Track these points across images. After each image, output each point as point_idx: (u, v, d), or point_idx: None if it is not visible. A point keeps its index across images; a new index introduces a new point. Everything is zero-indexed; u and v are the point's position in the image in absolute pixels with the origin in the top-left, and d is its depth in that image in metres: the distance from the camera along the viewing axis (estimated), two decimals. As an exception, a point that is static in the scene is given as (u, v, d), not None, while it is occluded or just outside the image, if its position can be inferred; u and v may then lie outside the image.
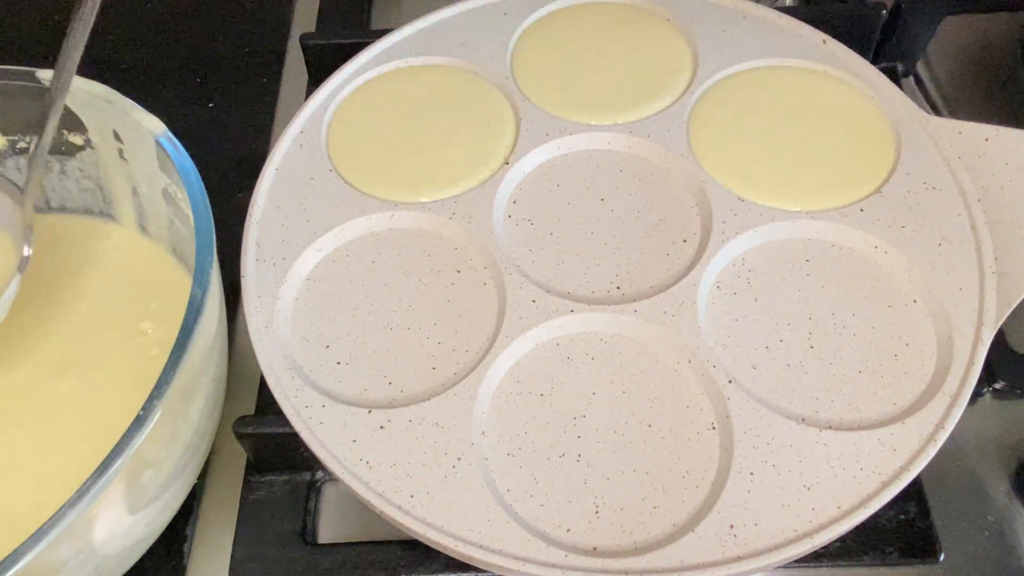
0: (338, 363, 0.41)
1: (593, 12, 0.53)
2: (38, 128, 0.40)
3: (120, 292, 0.46)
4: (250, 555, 0.41)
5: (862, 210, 0.45)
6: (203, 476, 0.45)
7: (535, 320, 0.42)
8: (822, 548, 0.37)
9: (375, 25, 0.65)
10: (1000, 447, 0.45)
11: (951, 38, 0.61)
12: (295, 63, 0.62)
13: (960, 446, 0.44)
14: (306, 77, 0.59)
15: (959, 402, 0.39)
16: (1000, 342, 0.46)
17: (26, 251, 0.42)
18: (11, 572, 0.30)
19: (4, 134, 0.47)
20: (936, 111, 0.59)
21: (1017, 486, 0.44)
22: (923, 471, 0.38)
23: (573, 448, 0.39)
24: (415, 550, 0.41)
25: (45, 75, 0.44)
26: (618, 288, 0.43)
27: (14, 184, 0.42)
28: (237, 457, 0.44)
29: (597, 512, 0.37)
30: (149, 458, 0.35)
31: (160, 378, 0.34)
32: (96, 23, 0.40)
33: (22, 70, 0.44)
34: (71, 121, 0.45)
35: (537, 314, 0.42)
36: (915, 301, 0.42)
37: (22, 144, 0.47)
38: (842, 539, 0.39)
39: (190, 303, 0.36)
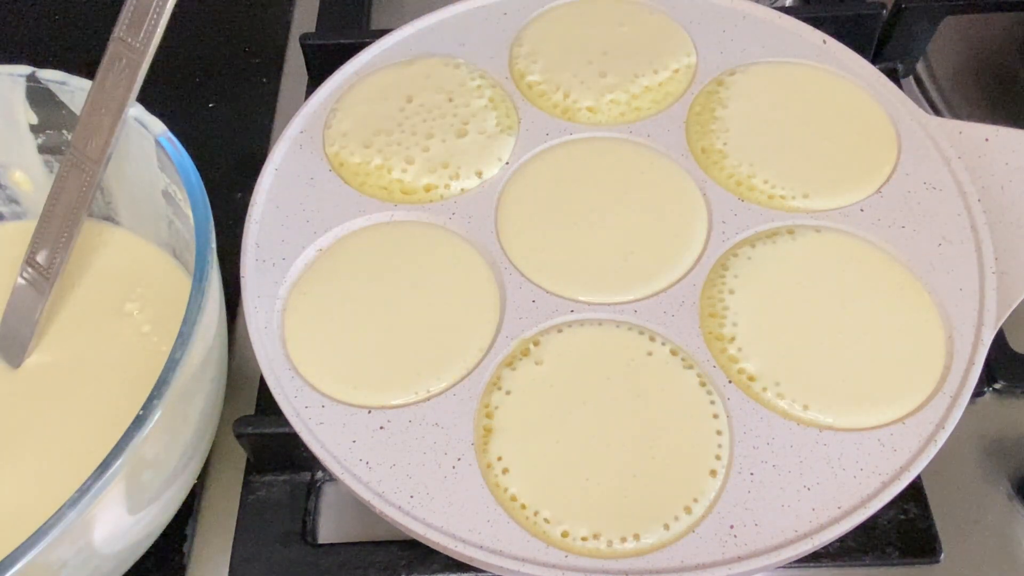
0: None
1: (593, 11, 0.53)
2: None
3: (119, 291, 0.47)
4: (250, 555, 0.41)
5: (862, 210, 0.45)
6: (203, 476, 0.45)
7: (535, 320, 0.42)
8: (822, 548, 0.37)
9: (375, 25, 0.65)
10: (1000, 447, 0.45)
11: (951, 38, 0.61)
12: (295, 63, 0.62)
13: (960, 446, 0.44)
14: (306, 77, 0.59)
15: (959, 402, 0.39)
16: (1000, 342, 0.46)
17: None
18: (11, 572, 0.30)
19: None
20: (936, 111, 0.59)
21: (1017, 486, 0.44)
22: (923, 471, 0.38)
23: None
24: (415, 550, 0.41)
25: (45, 75, 0.44)
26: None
27: None
28: (237, 457, 0.44)
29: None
30: (149, 458, 0.35)
31: (160, 378, 0.34)
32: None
33: (23, 70, 0.44)
34: (71, 121, 0.45)
35: (537, 314, 0.42)
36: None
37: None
38: (842, 539, 0.39)
39: (190, 303, 0.36)
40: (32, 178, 0.48)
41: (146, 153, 0.42)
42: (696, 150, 0.48)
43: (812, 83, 0.50)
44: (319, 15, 0.62)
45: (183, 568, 0.42)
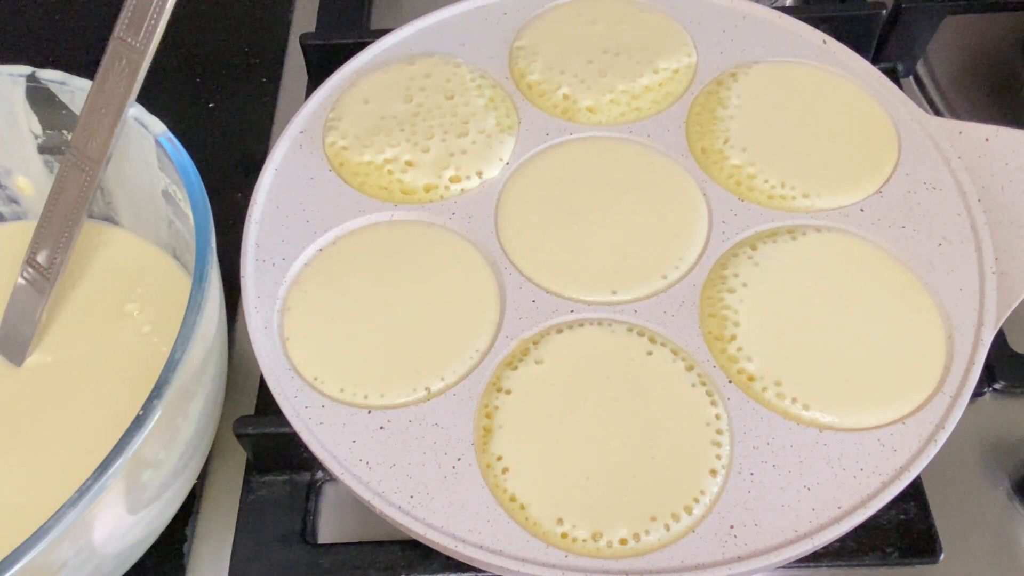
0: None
1: (593, 11, 0.53)
2: None
3: (119, 291, 0.47)
4: (250, 555, 0.41)
5: (862, 210, 0.45)
6: (203, 476, 0.45)
7: (535, 320, 0.42)
8: (822, 548, 0.37)
9: (375, 25, 0.65)
10: (1000, 447, 0.45)
11: (951, 38, 0.61)
12: (295, 63, 0.62)
13: (960, 446, 0.44)
14: (306, 77, 0.59)
15: (959, 402, 0.39)
16: (1000, 342, 0.46)
17: None
18: (11, 572, 0.30)
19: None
20: (936, 111, 0.59)
21: (1017, 486, 0.44)
22: (923, 471, 0.38)
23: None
24: (415, 550, 0.41)
25: (45, 75, 0.44)
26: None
27: None
28: (237, 457, 0.44)
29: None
30: (149, 458, 0.35)
31: (160, 378, 0.34)
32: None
33: (23, 70, 0.44)
34: (71, 121, 0.45)
35: (537, 314, 0.42)
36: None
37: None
38: (842, 539, 0.39)
39: (190, 303, 0.36)
40: (32, 178, 0.48)
41: (146, 153, 0.42)
42: (696, 150, 0.48)
43: (812, 83, 0.50)
44: (319, 15, 0.62)
45: (183, 568, 0.42)
